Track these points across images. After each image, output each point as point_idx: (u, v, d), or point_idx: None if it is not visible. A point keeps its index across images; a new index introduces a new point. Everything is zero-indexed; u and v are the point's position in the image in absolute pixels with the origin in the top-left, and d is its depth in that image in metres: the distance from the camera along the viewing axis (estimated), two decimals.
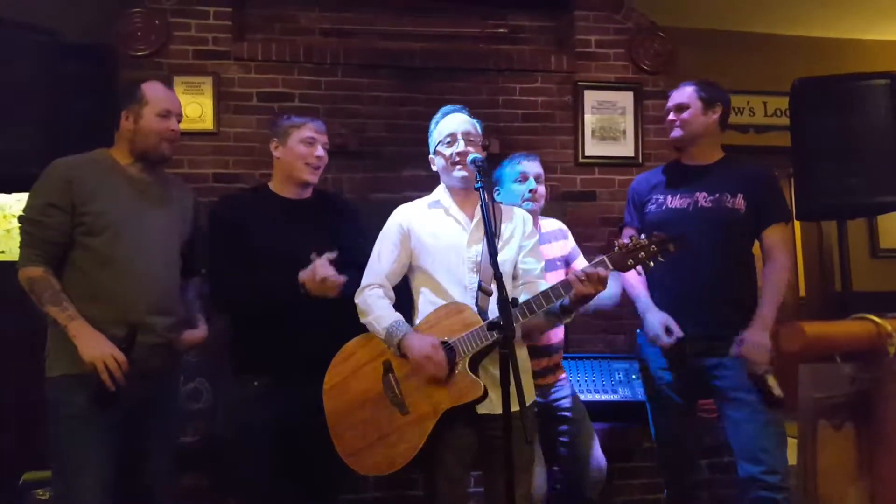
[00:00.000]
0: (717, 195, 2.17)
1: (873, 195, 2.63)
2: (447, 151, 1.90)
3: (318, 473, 2.03)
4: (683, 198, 2.21)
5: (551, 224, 2.46)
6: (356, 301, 1.90)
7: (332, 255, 1.91)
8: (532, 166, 2.35)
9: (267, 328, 2.00)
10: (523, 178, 2.32)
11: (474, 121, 1.97)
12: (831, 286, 4.10)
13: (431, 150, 1.98)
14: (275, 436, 1.95)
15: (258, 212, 2.07)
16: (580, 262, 2.37)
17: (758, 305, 2.12)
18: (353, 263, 1.95)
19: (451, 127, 1.92)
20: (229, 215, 2.09)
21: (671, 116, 2.27)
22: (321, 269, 1.88)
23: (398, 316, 1.84)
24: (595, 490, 2.29)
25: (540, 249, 2.01)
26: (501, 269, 1.82)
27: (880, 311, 0.94)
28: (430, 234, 1.90)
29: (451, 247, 1.87)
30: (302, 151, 2.06)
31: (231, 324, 2.12)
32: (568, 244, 2.44)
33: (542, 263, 1.96)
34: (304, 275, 1.90)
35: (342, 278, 1.90)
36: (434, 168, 1.99)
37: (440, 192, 1.98)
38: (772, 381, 2.04)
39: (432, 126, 2.00)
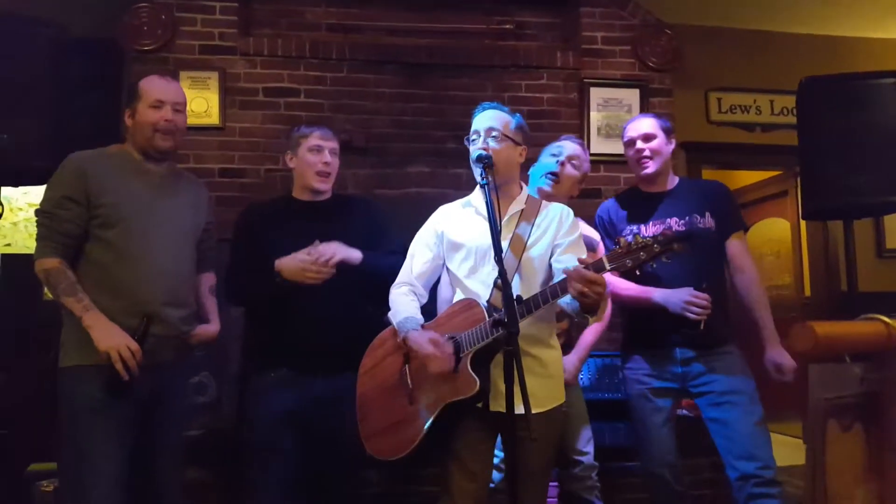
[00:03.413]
0: (688, 218, 2.26)
1: (880, 195, 2.61)
2: (471, 148, 1.90)
3: (332, 465, 2.06)
4: (657, 225, 2.28)
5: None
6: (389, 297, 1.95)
7: (317, 245, 1.99)
8: (567, 146, 2.35)
9: (282, 322, 2.05)
10: (553, 156, 2.34)
11: (510, 117, 1.93)
12: (837, 286, 4.08)
13: None
14: (290, 428, 2.00)
15: (275, 214, 2.19)
16: None
17: (759, 324, 2.23)
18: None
19: (476, 124, 1.92)
20: (248, 219, 2.21)
21: (639, 145, 2.30)
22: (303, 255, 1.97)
23: (412, 313, 1.85)
24: (588, 490, 2.28)
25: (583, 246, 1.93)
26: (530, 265, 1.83)
27: (886, 312, 0.93)
28: (458, 234, 1.91)
29: (478, 245, 1.86)
30: (310, 160, 2.16)
31: (247, 318, 2.18)
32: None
33: None
34: (279, 262, 1.98)
35: (323, 268, 1.96)
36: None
37: (476, 190, 1.96)
38: None
39: None
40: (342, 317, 2.03)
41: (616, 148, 3.38)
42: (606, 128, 3.40)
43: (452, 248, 1.91)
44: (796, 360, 2.18)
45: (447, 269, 1.95)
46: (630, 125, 2.36)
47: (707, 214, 2.26)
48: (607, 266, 1.62)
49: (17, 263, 1.91)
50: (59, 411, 1.86)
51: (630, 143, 2.33)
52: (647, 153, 2.29)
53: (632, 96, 3.42)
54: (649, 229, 2.26)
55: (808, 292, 4.49)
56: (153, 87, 1.99)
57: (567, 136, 2.45)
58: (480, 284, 1.84)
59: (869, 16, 3.97)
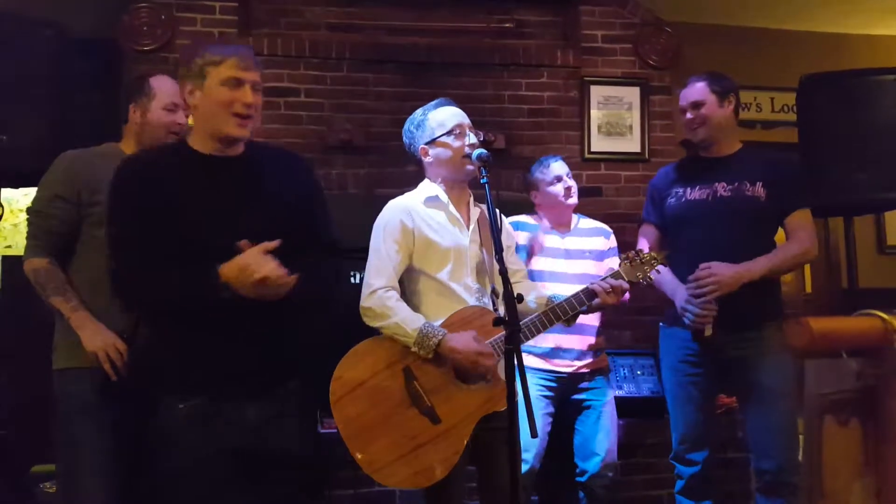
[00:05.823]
0: (736, 184, 2.17)
1: (881, 191, 2.61)
2: (456, 143, 1.84)
3: (286, 488, 1.59)
4: (703, 189, 2.22)
5: (593, 223, 2.56)
6: (367, 304, 1.74)
7: (273, 244, 1.44)
8: (561, 167, 2.45)
9: (193, 336, 1.52)
10: (557, 179, 2.41)
11: None
12: (838, 283, 4.08)
13: (423, 141, 1.88)
14: (213, 470, 1.48)
15: (170, 172, 1.53)
16: (613, 262, 2.36)
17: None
18: (309, 244, 1.55)
19: (456, 118, 1.87)
20: (132, 182, 1.53)
21: (689, 115, 2.27)
22: (259, 265, 1.40)
23: (424, 318, 1.76)
24: (602, 487, 2.29)
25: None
26: (490, 266, 1.84)
27: (887, 308, 0.93)
28: (435, 234, 1.83)
29: (456, 247, 1.83)
30: (224, 97, 1.49)
31: (149, 331, 1.75)
32: (607, 242, 2.51)
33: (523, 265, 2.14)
34: (226, 270, 1.41)
35: (288, 275, 1.43)
36: (427, 160, 1.89)
37: (434, 188, 1.89)
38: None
39: (421, 116, 1.90)
40: (266, 329, 1.53)
41: (616, 146, 3.40)
42: (607, 126, 3.39)
43: (428, 249, 1.81)
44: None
45: (417, 270, 1.83)
46: (683, 91, 2.32)
47: (759, 184, 2.16)
48: (626, 278, 1.89)
49: (18, 265, 1.91)
50: (55, 414, 1.85)
51: (682, 111, 2.31)
52: (695, 120, 2.25)
53: (632, 94, 3.41)
54: (693, 193, 2.23)
55: (808, 289, 4.48)
56: (169, 89, 1.96)
57: (546, 157, 2.52)
58: (461, 287, 1.81)
59: (869, 12, 3.97)
